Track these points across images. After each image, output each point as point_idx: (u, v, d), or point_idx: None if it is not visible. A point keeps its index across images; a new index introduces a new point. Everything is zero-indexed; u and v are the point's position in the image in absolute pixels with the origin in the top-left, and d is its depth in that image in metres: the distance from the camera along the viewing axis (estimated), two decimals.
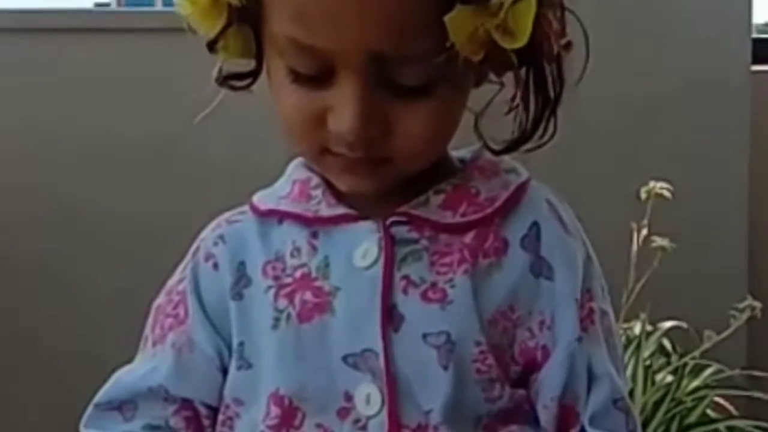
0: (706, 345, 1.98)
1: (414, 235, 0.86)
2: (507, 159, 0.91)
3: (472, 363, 0.82)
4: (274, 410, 0.83)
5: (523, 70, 0.83)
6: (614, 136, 2.51)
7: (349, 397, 0.82)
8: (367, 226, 0.86)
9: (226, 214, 0.94)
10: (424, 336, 0.82)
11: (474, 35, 0.77)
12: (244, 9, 0.82)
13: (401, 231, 0.86)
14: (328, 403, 0.82)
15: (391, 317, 0.83)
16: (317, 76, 0.80)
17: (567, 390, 0.83)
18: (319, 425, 0.82)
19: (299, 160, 0.93)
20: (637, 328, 1.97)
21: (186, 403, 0.88)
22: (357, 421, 0.82)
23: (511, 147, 0.88)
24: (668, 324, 2.12)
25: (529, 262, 0.85)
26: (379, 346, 0.82)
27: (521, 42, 0.78)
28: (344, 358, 0.83)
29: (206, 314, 0.88)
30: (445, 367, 0.81)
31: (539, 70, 0.84)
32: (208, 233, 0.93)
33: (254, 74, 0.87)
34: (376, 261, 0.85)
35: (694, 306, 2.13)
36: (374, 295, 0.83)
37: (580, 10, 0.84)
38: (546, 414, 0.84)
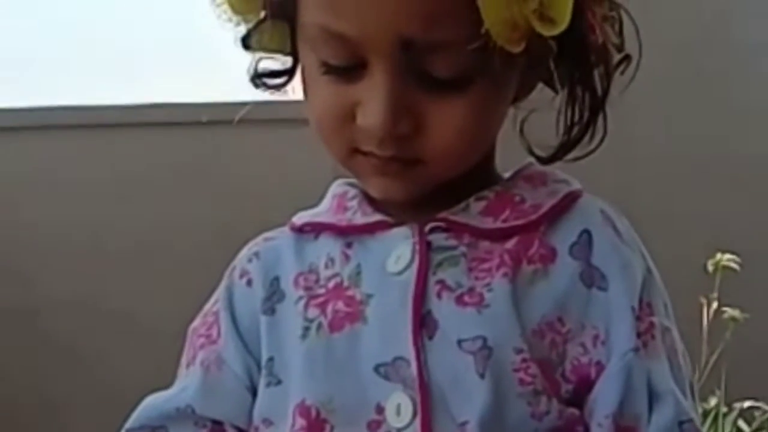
0: None
1: (452, 242, 0.81)
2: (558, 172, 0.86)
3: (514, 372, 0.75)
4: (300, 422, 0.78)
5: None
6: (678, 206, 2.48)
7: (380, 410, 0.76)
8: (401, 231, 0.82)
9: (265, 234, 0.91)
10: (459, 342, 0.76)
11: (510, 21, 0.72)
12: (280, 3, 0.80)
13: (439, 238, 0.81)
14: (358, 416, 0.77)
15: (425, 323, 0.77)
16: (348, 67, 0.77)
17: (624, 407, 0.75)
18: None
19: (342, 179, 0.90)
20: (712, 401, 1.90)
21: (216, 427, 0.84)
22: None
23: (558, 153, 0.83)
24: (745, 404, 2.04)
25: (579, 271, 0.79)
26: (411, 353, 0.76)
27: (560, 28, 0.73)
28: (376, 369, 0.77)
29: (238, 332, 0.85)
30: (482, 375, 0.75)
31: (585, 63, 0.79)
32: (243, 252, 0.90)
33: (289, 73, 0.84)
34: (408, 266, 0.80)
35: None
36: (406, 300, 0.78)
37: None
38: None
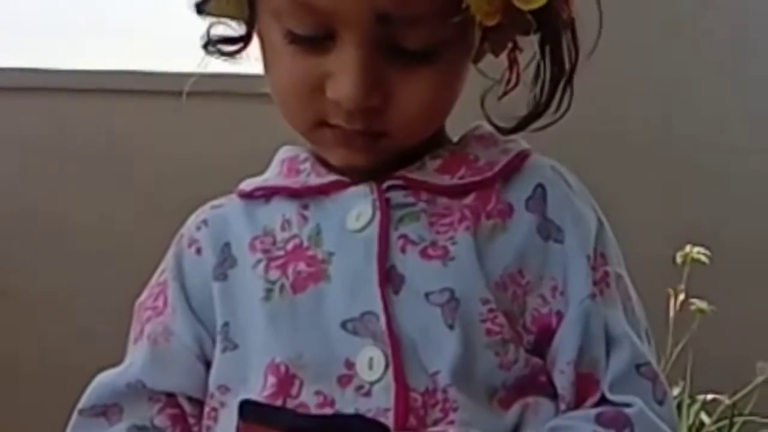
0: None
1: (411, 199, 0.82)
2: None
3: (481, 323, 0.77)
4: (270, 379, 0.77)
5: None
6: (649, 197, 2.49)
7: (350, 365, 0.76)
8: (359, 190, 0.82)
9: (211, 201, 0.90)
10: (426, 295, 0.77)
11: None
12: None
13: (397, 195, 0.82)
14: (328, 371, 0.76)
15: (390, 278, 0.78)
16: (316, 38, 0.76)
17: (583, 353, 0.77)
18: (318, 392, 0.76)
19: (287, 145, 0.90)
20: (675, 391, 1.91)
21: (170, 400, 0.84)
22: (360, 387, 0.76)
23: (522, 123, 0.84)
24: (708, 397, 2.05)
25: (536, 224, 0.81)
26: (378, 307, 0.77)
27: (540, 2, 0.74)
28: (343, 325, 0.77)
29: (188, 301, 0.84)
30: (451, 326, 0.76)
31: (556, 37, 0.80)
32: (191, 220, 0.89)
33: (245, 39, 0.83)
34: (370, 222, 0.80)
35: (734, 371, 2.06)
36: (370, 256, 0.79)
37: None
38: (562, 380, 0.77)
